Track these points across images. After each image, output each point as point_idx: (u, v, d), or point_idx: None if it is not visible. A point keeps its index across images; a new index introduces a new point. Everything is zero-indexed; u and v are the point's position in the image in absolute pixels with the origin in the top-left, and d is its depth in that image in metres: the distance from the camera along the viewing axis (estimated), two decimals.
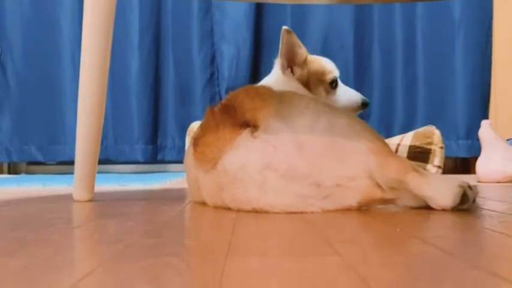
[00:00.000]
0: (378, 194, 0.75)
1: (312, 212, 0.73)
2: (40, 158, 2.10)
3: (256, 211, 0.73)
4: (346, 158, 0.74)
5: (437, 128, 1.52)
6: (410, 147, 1.50)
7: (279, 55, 1.13)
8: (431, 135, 1.51)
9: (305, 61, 1.11)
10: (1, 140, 2.10)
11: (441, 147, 1.51)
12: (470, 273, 0.38)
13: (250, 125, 0.74)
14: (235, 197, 0.75)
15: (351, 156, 0.74)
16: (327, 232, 0.58)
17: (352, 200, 0.75)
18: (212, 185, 0.78)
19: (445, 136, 1.82)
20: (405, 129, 1.76)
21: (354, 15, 2.03)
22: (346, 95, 1.17)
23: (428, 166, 1.48)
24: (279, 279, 0.37)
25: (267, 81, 1.11)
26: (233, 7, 2.01)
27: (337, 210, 0.74)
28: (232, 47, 2.00)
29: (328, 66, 1.16)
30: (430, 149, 1.50)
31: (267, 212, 0.73)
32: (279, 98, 0.76)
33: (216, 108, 0.80)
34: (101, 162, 2.14)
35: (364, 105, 1.18)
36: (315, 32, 2.02)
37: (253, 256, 0.46)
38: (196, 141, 0.80)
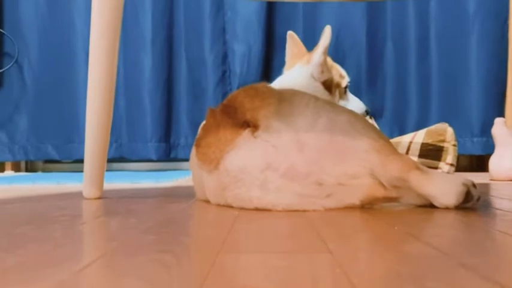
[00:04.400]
0: (380, 192, 0.75)
1: (314, 211, 0.73)
2: (56, 157, 2.14)
3: (258, 210, 0.74)
4: (347, 156, 0.74)
5: (451, 125, 1.50)
6: (423, 144, 1.49)
7: (314, 53, 1.16)
8: (444, 132, 1.50)
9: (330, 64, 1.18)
10: (19, 138, 2.15)
11: (454, 145, 1.49)
12: (457, 272, 0.38)
13: (251, 125, 0.74)
14: (238, 197, 0.75)
15: (353, 154, 0.74)
16: (324, 230, 0.58)
17: (355, 199, 0.75)
18: (215, 184, 0.78)
19: (459, 133, 1.80)
20: (419, 127, 1.74)
21: (366, 11, 2.02)
22: (353, 101, 1.25)
23: (441, 164, 1.46)
24: (264, 275, 0.38)
25: (288, 80, 1.13)
26: (245, 5, 2.01)
27: (339, 209, 0.74)
28: (244, 45, 2.01)
29: (343, 72, 1.22)
30: (443, 147, 1.48)
31: (269, 210, 0.73)
32: (279, 97, 0.76)
33: (216, 109, 0.81)
34: (115, 160, 2.19)
35: (367, 112, 1.29)
36: None
37: (245, 253, 0.46)
38: (198, 142, 0.81)
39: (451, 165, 1.46)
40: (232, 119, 0.75)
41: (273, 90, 0.79)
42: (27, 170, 2.34)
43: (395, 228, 0.59)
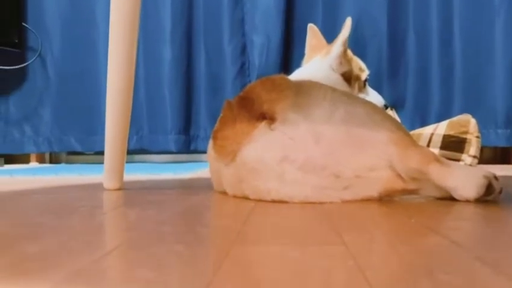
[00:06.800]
0: (399, 184, 0.74)
1: (331, 203, 0.72)
2: (79, 148, 2.18)
3: (275, 202, 0.74)
4: (365, 148, 0.73)
5: (475, 116, 1.47)
6: (445, 136, 1.46)
7: (334, 44, 1.15)
8: (467, 124, 1.47)
9: (350, 57, 1.17)
10: (43, 130, 2.19)
11: (477, 137, 1.46)
12: (472, 265, 0.37)
13: (268, 118, 0.74)
14: (255, 189, 0.76)
15: (371, 146, 0.73)
16: (340, 222, 0.57)
17: (373, 191, 0.74)
18: (232, 177, 0.79)
19: (483, 125, 1.76)
20: (441, 118, 1.71)
21: (387, 0, 1.98)
22: (372, 95, 1.24)
23: (464, 156, 1.44)
24: (276, 267, 0.38)
25: (306, 73, 1.12)
26: None
27: (356, 201, 0.73)
28: (263, 36, 2.00)
29: (363, 65, 1.21)
30: (466, 138, 1.45)
31: (286, 203, 0.73)
32: (296, 89, 0.76)
33: (233, 102, 0.81)
34: (136, 152, 2.22)
35: (386, 107, 1.29)
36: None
37: (259, 245, 0.46)
38: (215, 135, 0.81)
39: (474, 157, 1.43)
40: (249, 112, 0.75)
41: (290, 82, 0.78)
42: (51, 162, 2.40)
43: (413, 220, 0.58)
